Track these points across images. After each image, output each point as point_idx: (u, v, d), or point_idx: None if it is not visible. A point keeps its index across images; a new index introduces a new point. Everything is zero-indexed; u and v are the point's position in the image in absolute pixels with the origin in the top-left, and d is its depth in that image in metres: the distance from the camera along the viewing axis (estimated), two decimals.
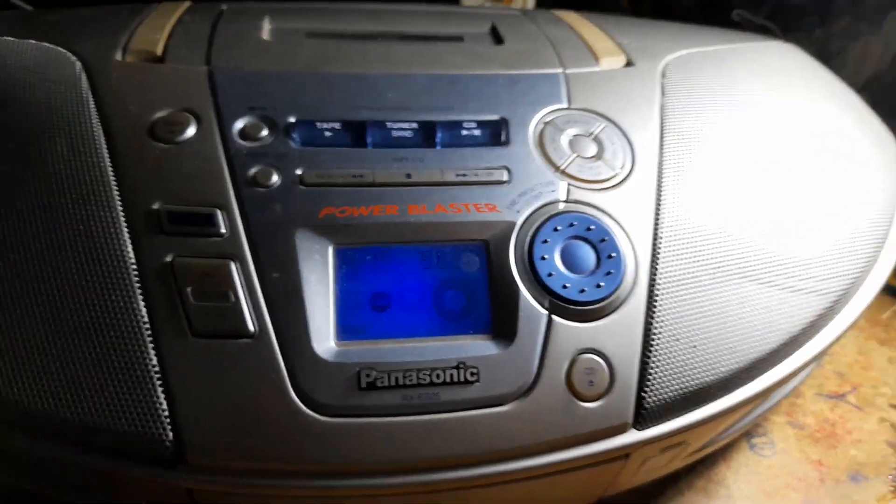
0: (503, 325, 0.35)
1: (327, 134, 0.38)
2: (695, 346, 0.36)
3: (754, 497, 0.43)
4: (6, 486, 0.37)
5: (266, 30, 0.46)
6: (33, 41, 0.42)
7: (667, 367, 0.36)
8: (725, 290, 0.38)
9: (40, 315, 0.33)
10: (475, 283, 0.36)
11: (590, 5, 0.59)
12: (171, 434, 0.32)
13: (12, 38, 0.42)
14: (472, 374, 0.33)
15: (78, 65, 0.40)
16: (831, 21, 0.81)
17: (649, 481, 0.41)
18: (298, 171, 0.36)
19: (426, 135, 0.39)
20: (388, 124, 0.39)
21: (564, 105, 0.42)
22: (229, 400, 0.32)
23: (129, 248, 0.34)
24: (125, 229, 0.34)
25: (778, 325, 0.39)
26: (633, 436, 0.35)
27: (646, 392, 0.35)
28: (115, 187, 0.35)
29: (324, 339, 0.33)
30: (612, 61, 0.47)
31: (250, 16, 0.48)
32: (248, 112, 0.38)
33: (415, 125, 0.39)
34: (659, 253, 0.37)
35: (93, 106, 0.38)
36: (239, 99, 0.39)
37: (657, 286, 0.37)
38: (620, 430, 0.35)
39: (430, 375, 0.33)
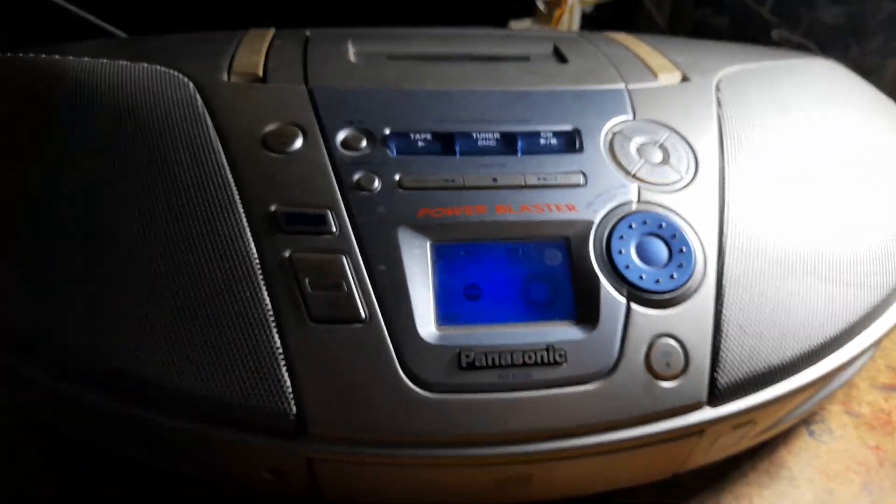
0: (586, 312, 0.38)
1: (420, 144, 0.42)
2: (761, 333, 0.39)
3: (816, 479, 0.45)
4: (135, 461, 0.41)
5: (351, 52, 0.51)
6: (146, 64, 0.47)
7: (736, 350, 0.39)
8: (787, 283, 0.41)
9: (176, 304, 0.37)
10: (558, 276, 0.39)
11: (630, 28, 0.63)
12: (294, 408, 0.35)
13: (125, 62, 0.47)
14: (560, 355, 0.37)
15: (191, 85, 0.45)
16: (866, 39, 0.84)
17: (719, 460, 0.44)
18: (397, 177, 0.41)
19: (508, 143, 0.43)
20: (474, 134, 0.43)
21: (630, 117, 0.46)
22: (345, 378, 0.36)
23: (252, 246, 0.38)
24: (248, 228, 0.38)
25: (836, 316, 0.42)
26: (706, 413, 0.38)
27: (718, 373, 0.38)
28: (237, 192, 0.40)
29: (426, 324, 0.37)
30: (669, 77, 0.51)
31: (334, 40, 0.52)
32: (347, 125, 0.43)
33: (497, 135, 0.43)
34: (725, 248, 0.41)
35: (209, 121, 0.43)
36: (338, 114, 0.43)
37: (725, 278, 0.40)
38: (695, 407, 0.38)
39: (522, 356, 0.37)
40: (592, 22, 0.92)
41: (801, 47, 0.83)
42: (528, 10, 0.84)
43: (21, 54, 0.49)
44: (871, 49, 0.85)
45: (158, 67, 0.47)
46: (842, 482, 0.45)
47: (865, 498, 0.44)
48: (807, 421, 0.49)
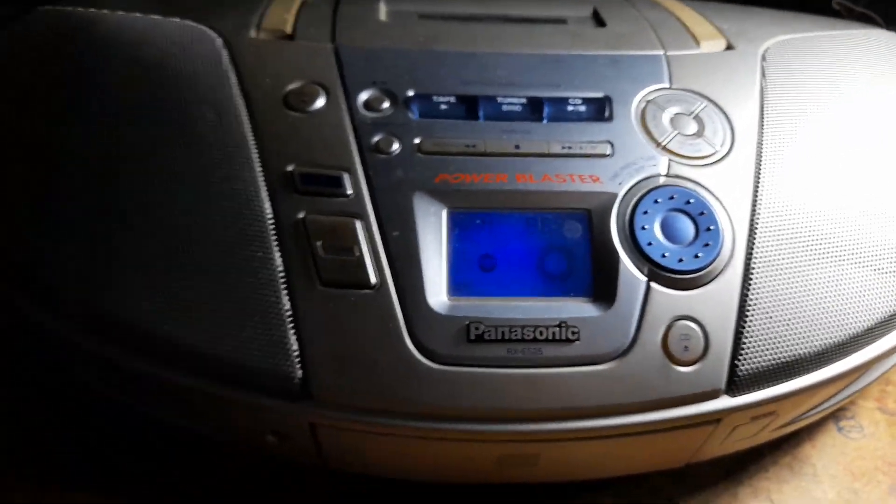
0: (603, 289, 0.37)
1: (443, 107, 0.41)
2: (788, 320, 0.37)
3: (840, 477, 0.43)
4: (145, 418, 0.42)
5: (383, 11, 0.50)
6: (177, 19, 0.47)
7: (760, 337, 0.37)
8: (821, 269, 0.39)
9: (188, 260, 0.37)
10: (577, 249, 0.38)
11: None
12: (300, 371, 0.35)
13: (158, 17, 0.47)
14: (573, 333, 0.36)
15: (219, 41, 0.44)
16: None
17: (736, 451, 0.42)
18: (417, 140, 0.40)
19: (534, 109, 0.41)
20: (499, 99, 0.42)
21: (666, 85, 0.44)
22: (352, 344, 0.35)
23: (268, 205, 0.38)
24: (264, 188, 0.38)
25: (872, 306, 0.39)
26: (724, 402, 0.36)
27: (739, 360, 0.36)
28: (255, 150, 0.39)
29: (437, 293, 0.36)
30: (712, 44, 0.48)
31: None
32: (371, 86, 0.42)
33: (523, 100, 0.42)
34: (756, 228, 0.39)
35: (234, 78, 0.42)
36: (362, 73, 0.42)
37: (754, 260, 0.38)
38: (713, 395, 0.36)
39: (533, 332, 0.36)
40: None
41: (865, 18, 0.78)
42: None
43: (57, 7, 0.49)
44: None
45: (189, 22, 0.46)
46: (868, 482, 0.43)
47: (893, 501, 0.42)
48: (836, 416, 0.47)
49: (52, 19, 0.48)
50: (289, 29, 0.46)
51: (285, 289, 0.36)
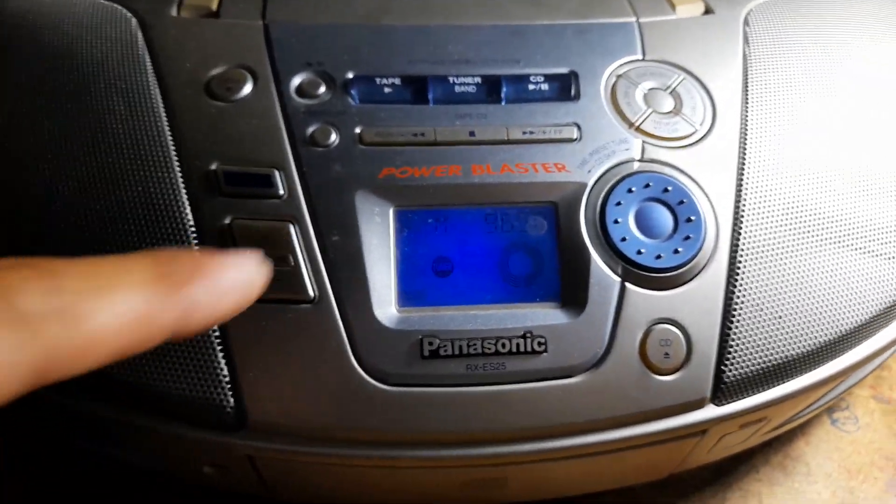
0: (573, 292, 0.33)
1: (387, 90, 0.36)
2: (779, 317, 0.34)
3: (836, 475, 0.40)
4: (72, 449, 0.38)
5: None
6: None
7: (749, 338, 0.33)
8: (814, 257, 0.35)
9: None
10: (543, 248, 0.34)
11: None
12: (231, 400, 0.31)
13: None
14: (540, 343, 0.32)
15: (133, 21, 0.39)
16: None
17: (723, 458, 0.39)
18: (357, 130, 0.35)
19: (490, 90, 0.37)
20: (451, 79, 0.37)
21: (639, 56, 0.39)
22: (290, 367, 0.31)
23: (188, 210, 0.33)
24: (183, 190, 0.33)
25: (870, 295, 0.36)
26: (710, 411, 0.33)
27: (726, 365, 0.33)
28: (173, 147, 0.34)
29: (385, 304, 0.32)
30: (689, 8, 0.43)
31: None
32: (304, 68, 0.37)
33: (478, 79, 0.37)
34: (742, 216, 0.35)
35: (149, 63, 0.37)
36: (295, 54, 0.37)
37: (740, 252, 0.34)
38: (697, 405, 0.33)
39: (495, 344, 0.32)
40: None
41: None
42: None
43: None
44: None
45: (102, 1, 0.41)
46: (864, 479, 0.40)
47: (891, 499, 0.39)
48: (830, 407, 0.44)
49: None
50: (214, 5, 0.41)
51: None
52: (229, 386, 0.31)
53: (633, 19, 0.41)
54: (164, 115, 0.35)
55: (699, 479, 0.40)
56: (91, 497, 0.41)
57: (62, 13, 0.40)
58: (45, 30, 0.39)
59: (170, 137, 0.35)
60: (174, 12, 0.40)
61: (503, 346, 0.32)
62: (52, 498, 0.41)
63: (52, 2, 0.41)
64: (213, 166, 0.34)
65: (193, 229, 0.33)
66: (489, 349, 0.32)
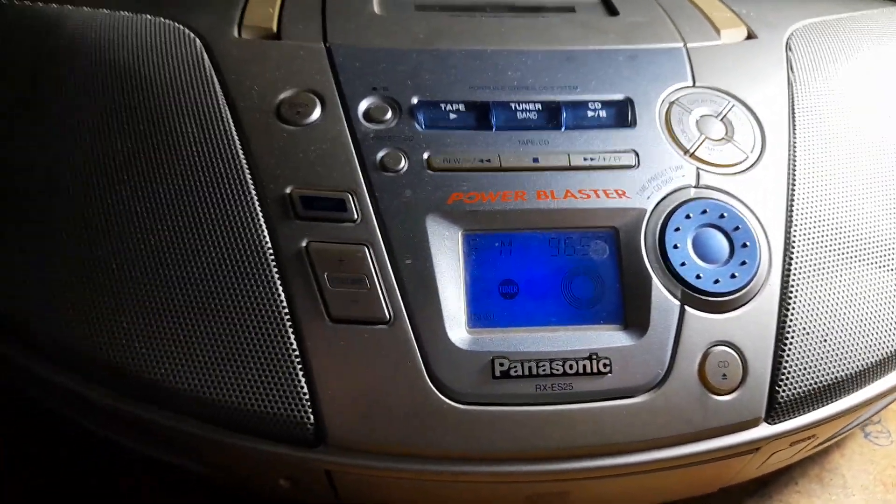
0: (635, 315, 0.34)
1: (452, 116, 0.38)
2: (829, 339, 0.35)
3: (871, 487, 0.42)
4: (149, 459, 0.39)
5: (376, 2, 0.45)
6: (149, 16, 0.42)
7: (800, 360, 0.35)
8: (862, 279, 0.37)
9: (183, 298, 0.34)
10: (605, 272, 0.35)
11: None
12: (311, 416, 0.33)
13: (127, 13, 0.43)
14: (605, 365, 0.33)
15: (199, 43, 0.40)
16: None
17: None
18: (426, 155, 0.36)
19: (551, 116, 0.38)
20: (513, 105, 0.38)
21: (689, 83, 0.41)
22: (367, 385, 0.33)
23: (265, 233, 0.34)
24: (260, 213, 0.35)
25: None
26: (764, 430, 0.34)
27: (779, 386, 0.34)
28: (248, 170, 0.35)
29: (456, 326, 0.34)
30: (733, 33, 0.45)
31: None
32: (370, 93, 0.38)
33: (539, 106, 0.38)
34: (793, 241, 0.36)
35: (218, 86, 0.38)
36: (360, 79, 0.39)
37: (792, 276, 0.36)
38: (752, 424, 0.34)
39: (562, 366, 0.33)
40: None
41: None
42: None
43: (16, 2, 0.45)
44: None
45: (162, 20, 0.42)
46: None
47: None
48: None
49: (12, 15, 0.44)
50: (274, 26, 0.42)
51: (291, 326, 0.33)
52: (309, 403, 0.33)
53: (681, 45, 0.43)
54: (237, 138, 0.36)
55: (743, 491, 0.42)
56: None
57: (125, 30, 0.41)
58: (108, 47, 0.40)
59: (244, 161, 0.36)
60: (236, 33, 0.41)
61: (570, 367, 0.33)
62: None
63: (112, 18, 0.42)
64: (288, 190, 0.35)
65: (272, 252, 0.34)
66: (557, 370, 0.33)
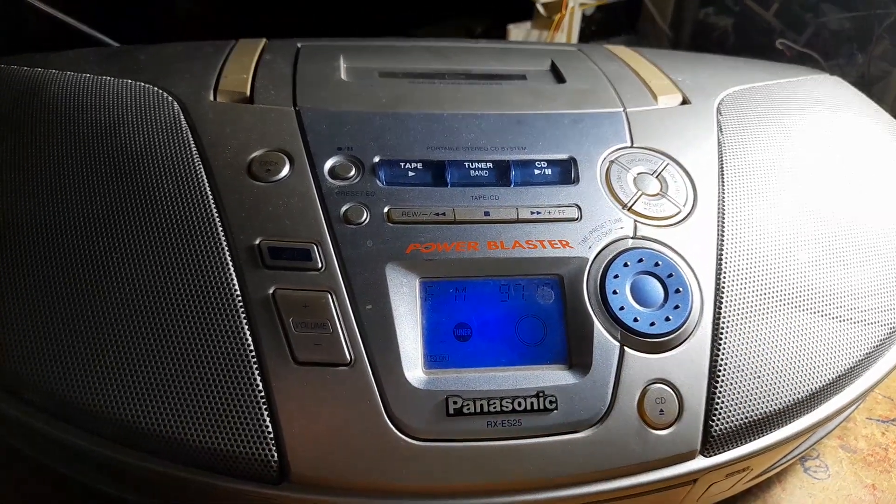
0: (579, 355, 0.37)
1: (410, 173, 0.41)
2: (759, 377, 0.38)
3: None
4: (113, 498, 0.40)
5: (343, 69, 0.49)
6: (130, 80, 0.46)
7: (732, 396, 0.38)
8: (787, 322, 0.40)
9: (155, 342, 0.36)
10: (551, 316, 0.38)
11: (631, 29, 0.61)
12: (276, 455, 0.34)
13: (111, 77, 0.46)
14: (551, 402, 0.36)
15: (176, 105, 0.43)
16: (871, 46, 0.83)
17: None
18: (386, 209, 0.39)
19: (501, 173, 0.42)
20: (467, 164, 0.42)
21: (627, 144, 0.45)
22: (329, 424, 0.35)
23: (235, 281, 0.37)
24: (230, 262, 0.37)
25: (838, 356, 0.40)
26: (700, 462, 0.37)
27: (713, 420, 0.37)
28: (219, 223, 0.38)
29: (413, 367, 0.36)
30: (669, 99, 0.49)
31: (326, 55, 0.51)
32: (336, 152, 0.41)
33: (490, 164, 0.42)
34: (723, 286, 0.40)
35: (193, 146, 0.41)
36: (327, 139, 0.42)
37: (722, 318, 0.39)
38: (689, 456, 0.37)
39: (512, 403, 0.36)
40: (593, 23, 0.90)
41: (805, 56, 0.82)
42: (528, 14, 0.82)
43: (2, 65, 0.48)
44: (878, 56, 0.84)
45: (143, 84, 0.45)
46: None
47: None
48: (802, 456, 0.48)
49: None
50: (247, 91, 0.45)
51: (257, 368, 0.35)
52: (273, 442, 0.34)
53: (621, 109, 0.47)
54: (210, 194, 0.39)
55: None
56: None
57: (107, 93, 0.44)
58: (91, 108, 0.43)
59: (216, 215, 0.38)
60: (211, 97, 0.45)
61: (519, 404, 0.36)
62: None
63: (95, 82, 0.45)
64: (258, 241, 0.38)
65: (240, 298, 0.36)
66: (507, 407, 0.35)
